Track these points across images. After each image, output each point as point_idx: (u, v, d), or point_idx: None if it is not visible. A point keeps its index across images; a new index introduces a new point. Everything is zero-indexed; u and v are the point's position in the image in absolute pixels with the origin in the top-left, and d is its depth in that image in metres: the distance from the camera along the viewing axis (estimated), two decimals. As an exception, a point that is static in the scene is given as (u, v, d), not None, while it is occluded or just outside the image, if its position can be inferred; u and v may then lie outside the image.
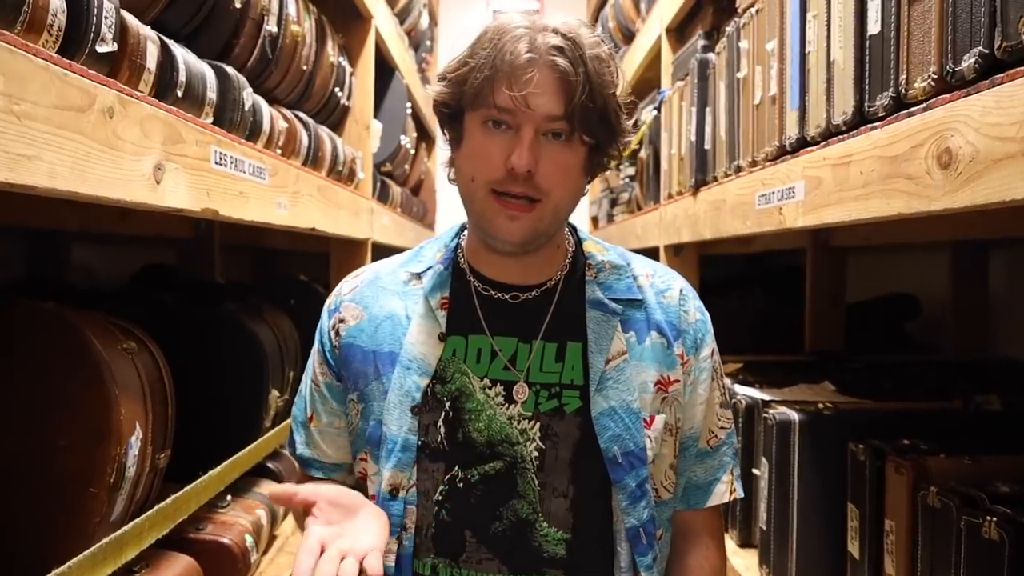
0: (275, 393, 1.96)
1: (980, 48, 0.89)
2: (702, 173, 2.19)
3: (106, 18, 1.08)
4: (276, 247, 3.77)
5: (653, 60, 3.35)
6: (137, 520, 1.17)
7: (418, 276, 1.17)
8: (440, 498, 1.09)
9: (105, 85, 0.97)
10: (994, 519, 1.09)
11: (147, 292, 2.17)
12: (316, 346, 1.21)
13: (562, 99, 1.02)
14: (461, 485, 1.08)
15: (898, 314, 3.07)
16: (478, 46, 1.06)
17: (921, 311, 3.03)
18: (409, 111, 3.70)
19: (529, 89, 1.01)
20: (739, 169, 1.84)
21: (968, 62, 0.91)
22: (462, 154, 1.10)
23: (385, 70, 3.39)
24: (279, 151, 1.88)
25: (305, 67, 2.16)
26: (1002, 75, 0.84)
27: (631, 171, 3.76)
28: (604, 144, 1.10)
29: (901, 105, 1.08)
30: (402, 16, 3.96)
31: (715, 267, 3.65)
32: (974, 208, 0.91)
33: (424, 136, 5.04)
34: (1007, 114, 0.83)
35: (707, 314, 1.21)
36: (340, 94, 2.58)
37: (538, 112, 1.03)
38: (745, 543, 1.93)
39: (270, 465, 2.09)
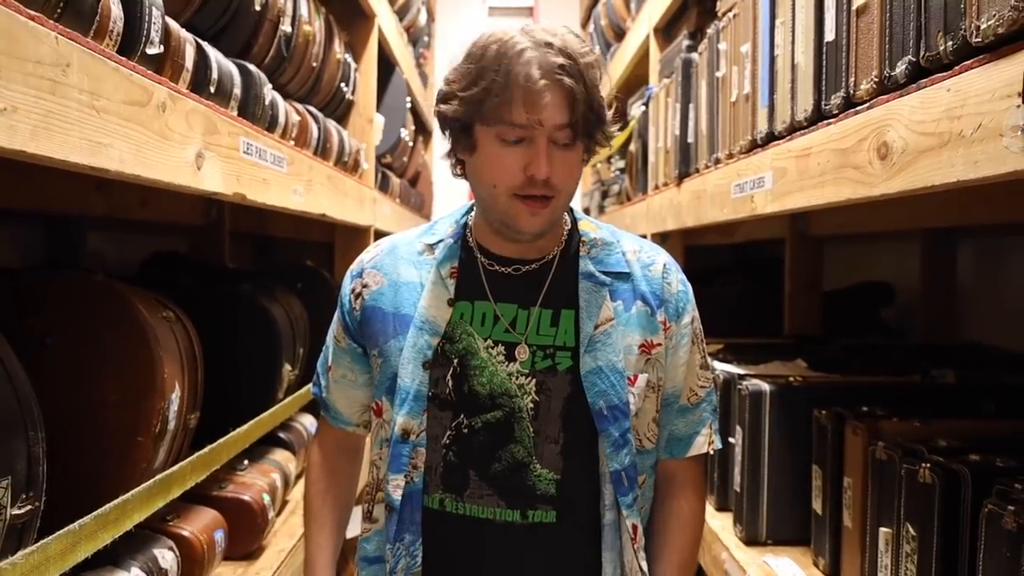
0: (287, 367, 2.12)
1: (909, 56, 1.05)
2: (685, 165, 2.35)
3: (154, 23, 1.23)
4: (278, 236, 3.90)
5: (642, 58, 3.51)
6: (182, 463, 1.33)
7: (431, 247, 1.33)
8: (447, 442, 1.26)
9: (159, 83, 1.12)
10: (928, 465, 1.25)
11: (166, 275, 2.31)
12: (338, 307, 1.37)
13: (568, 112, 1.17)
14: (466, 431, 1.25)
15: (873, 301, 3.22)
16: (486, 65, 1.17)
17: (895, 298, 3.19)
18: (408, 105, 3.84)
19: (545, 112, 1.15)
20: (718, 161, 2.00)
21: (900, 68, 1.07)
22: (479, 163, 1.23)
23: (386, 66, 3.54)
24: (292, 142, 2.03)
25: (315, 64, 2.31)
26: (926, 80, 1.00)
27: (621, 164, 3.91)
28: (596, 138, 1.25)
29: (850, 104, 1.24)
30: (401, 13, 4.10)
31: (706, 257, 3.81)
32: (905, 193, 1.07)
33: (421, 129, 5.18)
34: (928, 113, 0.99)
35: (689, 286, 1.36)
36: (345, 89, 2.73)
37: (548, 125, 1.17)
38: (722, 507, 2.08)
39: (282, 435, 2.24)
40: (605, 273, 1.29)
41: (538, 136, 1.17)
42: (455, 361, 1.26)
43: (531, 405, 1.25)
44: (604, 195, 4.46)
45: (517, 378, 1.25)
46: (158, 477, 1.23)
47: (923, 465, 1.26)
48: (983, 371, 1.99)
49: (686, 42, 2.64)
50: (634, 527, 1.26)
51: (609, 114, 1.24)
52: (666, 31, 3.19)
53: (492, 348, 1.26)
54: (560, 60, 1.15)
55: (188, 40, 1.39)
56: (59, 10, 0.96)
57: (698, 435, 1.35)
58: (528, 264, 1.30)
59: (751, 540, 1.85)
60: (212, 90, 1.48)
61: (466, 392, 1.25)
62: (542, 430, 1.25)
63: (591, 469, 1.25)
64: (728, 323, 3.04)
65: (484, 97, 1.16)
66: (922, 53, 1.02)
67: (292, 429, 2.33)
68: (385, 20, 3.28)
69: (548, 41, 1.17)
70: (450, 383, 1.26)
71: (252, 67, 1.73)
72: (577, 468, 1.25)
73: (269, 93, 1.83)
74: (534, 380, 1.25)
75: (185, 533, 1.51)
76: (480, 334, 1.27)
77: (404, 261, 1.33)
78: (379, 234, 2.98)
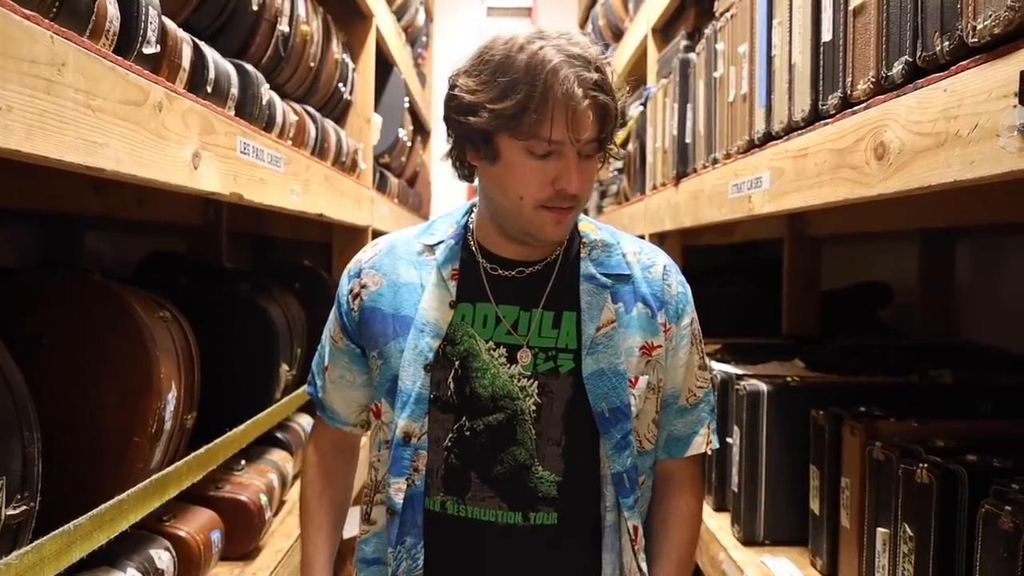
0: (285, 367, 2.11)
1: (906, 57, 1.05)
2: (683, 165, 2.35)
3: (151, 23, 1.23)
4: (276, 236, 3.90)
5: (640, 58, 3.51)
6: (178, 463, 1.32)
7: (431, 248, 1.32)
8: (449, 444, 1.25)
9: (155, 83, 1.12)
10: (925, 465, 1.25)
11: (163, 275, 2.31)
12: (335, 307, 1.37)
13: (599, 127, 1.17)
14: (468, 434, 1.25)
15: (871, 301, 3.23)
16: (517, 77, 1.13)
17: (892, 298, 3.19)
18: (407, 105, 3.84)
19: (584, 130, 1.15)
20: (715, 161, 2.00)
21: (897, 68, 1.07)
22: (503, 174, 1.20)
23: (384, 66, 3.54)
24: (290, 142, 2.03)
25: (312, 64, 2.31)
26: (922, 80, 1.00)
27: (619, 164, 3.91)
28: (611, 143, 1.25)
29: (847, 104, 1.24)
30: (399, 13, 4.10)
31: (704, 257, 3.81)
32: (902, 193, 1.07)
33: (420, 130, 5.18)
34: (925, 113, 0.99)
35: (688, 287, 1.37)
36: (343, 89, 2.73)
37: (583, 140, 1.17)
38: (720, 507, 2.08)
39: (279, 436, 2.23)
40: (606, 275, 1.29)
41: (568, 150, 1.17)
42: (456, 363, 1.26)
43: (533, 407, 1.25)
44: (602, 195, 4.46)
45: (519, 380, 1.25)
46: (154, 477, 1.23)
47: (920, 465, 1.26)
48: (981, 371, 1.99)
49: (684, 42, 2.64)
50: (635, 528, 1.26)
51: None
52: (664, 31, 3.19)
53: (494, 350, 1.26)
54: (595, 76, 1.15)
55: (185, 40, 1.39)
56: (55, 9, 0.96)
57: (696, 435, 1.35)
58: (530, 266, 1.30)
59: (749, 540, 1.85)
60: (209, 90, 1.48)
61: (468, 394, 1.25)
62: (544, 432, 1.25)
63: (592, 471, 1.25)
64: (726, 323, 3.04)
65: (519, 112, 1.13)
66: (919, 53, 1.02)
67: (289, 429, 2.32)
68: (383, 20, 3.28)
69: (576, 53, 1.16)
70: (451, 385, 1.26)
71: (249, 67, 1.73)
72: (578, 470, 1.25)
73: (266, 93, 1.83)
74: (536, 382, 1.25)
75: (182, 533, 1.50)
76: (482, 336, 1.27)
77: (403, 261, 1.33)
78: (377, 234, 2.97)
